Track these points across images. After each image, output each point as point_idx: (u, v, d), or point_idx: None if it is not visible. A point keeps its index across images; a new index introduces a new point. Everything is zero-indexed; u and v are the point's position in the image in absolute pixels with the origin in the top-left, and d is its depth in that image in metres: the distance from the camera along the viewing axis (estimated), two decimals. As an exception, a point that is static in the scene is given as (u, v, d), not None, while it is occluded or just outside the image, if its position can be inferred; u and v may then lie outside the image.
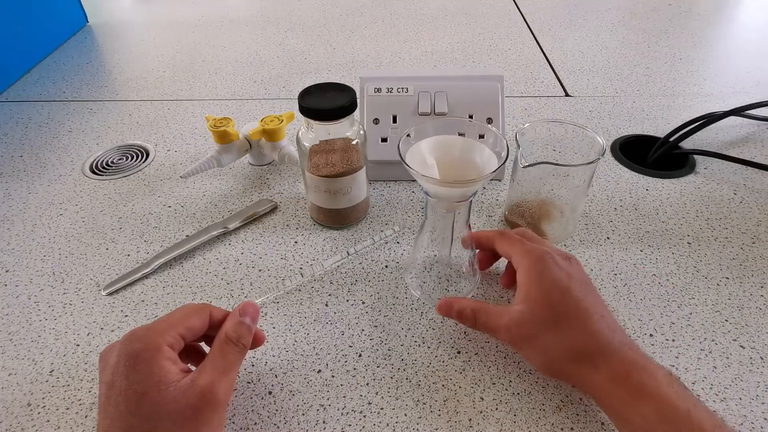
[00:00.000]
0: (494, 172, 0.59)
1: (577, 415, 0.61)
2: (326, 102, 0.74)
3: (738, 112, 1.00)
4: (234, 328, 0.57)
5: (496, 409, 0.62)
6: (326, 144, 0.78)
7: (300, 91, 0.76)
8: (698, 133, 1.00)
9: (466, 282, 0.75)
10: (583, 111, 1.16)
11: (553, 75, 1.32)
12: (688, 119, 1.02)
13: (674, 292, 0.75)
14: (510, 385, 0.64)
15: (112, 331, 0.72)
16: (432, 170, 0.63)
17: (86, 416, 0.62)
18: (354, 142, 0.78)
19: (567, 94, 1.23)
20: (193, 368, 0.55)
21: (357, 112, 0.77)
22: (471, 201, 0.66)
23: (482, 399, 0.63)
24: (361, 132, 0.79)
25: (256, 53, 1.48)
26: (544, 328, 0.59)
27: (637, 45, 1.47)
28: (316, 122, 0.75)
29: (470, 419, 0.61)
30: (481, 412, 0.62)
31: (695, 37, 1.51)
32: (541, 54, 1.43)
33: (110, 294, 0.77)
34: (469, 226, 0.69)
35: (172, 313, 0.57)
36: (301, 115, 0.76)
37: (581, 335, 0.58)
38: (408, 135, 0.64)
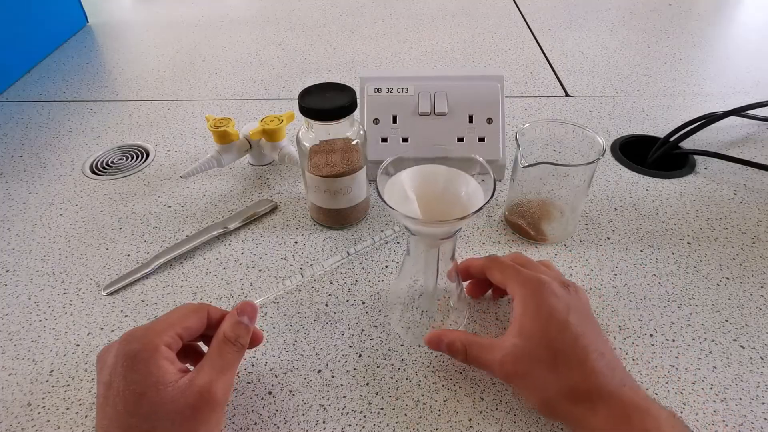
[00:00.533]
0: (481, 209, 0.55)
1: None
2: (326, 102, 0.74)
3: (738, 112, 1.00)
4: (232, 328, 0.57)
5: (496, 409, 0.62)
6: (326, 144, 0.77)
7: (300, 91, 0.76)
8: (698, 134, 1.01)
9: (455, 316, 0.72)
10: (583, 111, 1.16)
11: (553, 75, 1.32)
12: (688, 119, 1.02)
13: (674, 292, 0.75)
14: (509, 386, 0.64)
15: (112, 331, 0.72)
16: (412, 206, 0.59)
17: (86, 416, 0.62)
18: (354, 142, 0.78)
19: (567, 94, 1.23)
20: (191, 368, 0.55)
21: (357, 112, 0.76)
22: (455, 238, 0.62)
23: (482, 399, 0.63)
24: (361, 132, 0.79)
25: (256, 53, 1.48)
26: (540, 365, 0.56)
27: (637, 45, 1.47)
28: (316, 122, 0.75)
29: (470, 419, 0.61)
30: (481, 412, 0.62)
31: (695, 37, 1.51)
32: (541, 54, 1.43)
33: (110, 294, 0.77)
34: (455, 260, 0.66)
35: (169, 313, 0.58)
36: (301, 115, 0.76)
37: (579, 374, 0.55)
38: (386, 169, 0.60)
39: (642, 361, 0.67)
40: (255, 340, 0.62)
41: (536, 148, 0.81)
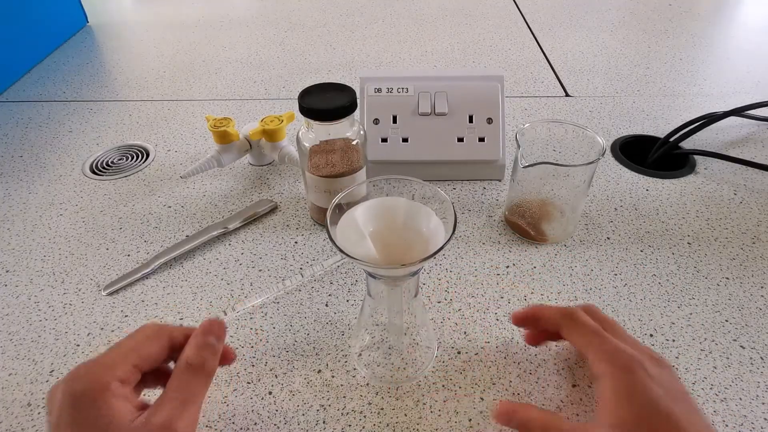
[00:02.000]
0: (441, 249, 0.49)
1: (577, 415, 0.61)
2: (326, 102, 0.74)
3: (738, 112, 1.00)
4: (196, 352, 0.52)
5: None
6: (326, 144, 0.77)
7: (300, 91, 0.76)
8: (698, 134, 1.01)
9: (421, 354, 0.68)
10: (584, 111, 1.16)
11: (554, 75, 1.32)
12: (688, 119, 1.02)
13: (674, 292, 0.75)
14: (510, 386, 0.64)
15: (112, 331, 0.72)
16: (366, 246, 0.54)
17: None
18: (354, 142, 0.78)
19: (567, 95, 1.23)
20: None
21: (357, 112, 0.76)
22: (417, 277, 0.58)
23: (482, 399, 0.63)
24: (362, 132, 0.79)
25: (256, 53, 1.48)
26: None
27: (637, 45, 1.47)
28: (316, 122, 0.75)
29: (470, 419, 0.61)
30: (481, 413, 0.62)
31: (695, 37, 1.51)
32: (541, 54, 1.43)
33: (110, 294, 0.77)
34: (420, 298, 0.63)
35: (123, 340, 0.52)
36: (301, 115, 0.76)
37: None
38: (337, 206, 0.55)
39: (642, 361, 0.66)
40: (225, 359, 0.57)
41: (536, 148, 0.81)
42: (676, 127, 1.01)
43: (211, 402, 0.63)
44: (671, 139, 1.00)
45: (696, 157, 1.00)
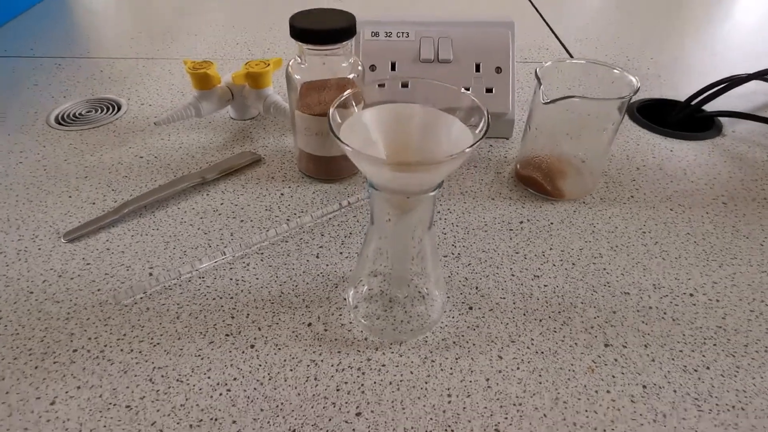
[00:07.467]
0: (471, 147, 0.39)
1: (613, 377, 0.52)
2: (322, 23, 0.65)
3: (762, 75, 0.93)
4: None
5: (518, 368, 0.53)
6: (320, 81, 0.68)
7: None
8: (719, 99, 0.92)
9: (429, 306, 0.58)
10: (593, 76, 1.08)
11: (557, 41, 1.24)
12: (706, 84, 0.93)
13: (713, 251, 0.67)
14: (532, 344, 0.55)
15: (71, 278, 0.62)
16: (375, 148, 0.46)
17: (36, 367, 0.53)
18: (351, 76, 0.69)
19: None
20: None
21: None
22: (435, 198, 0.48)
23: (501, 358, 0.54)
24: (359, 67, 0.70)
25: (240, 13, 1.39)
26: None
27: (649, 10, 1.39)
28: (310, 48, 0.66)
29: (488, 379, 0.52)
30: (500, 372, 0.53)
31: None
32: (540, 19, 1.35)
33: (71, 241, 0.68)
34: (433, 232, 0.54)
35: None
36: (294, 44, 0.66)
37: None
38: (344, 102, 0.45)
39: (684, 322, 0.58)
40: None
41: (556, 93, 0.72)
42: (695, 91, 0.93)
43: (184, 355, 0.54)
44: (692, 103, 0.92)
45: (722, 120, 0.92)
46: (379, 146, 0.46)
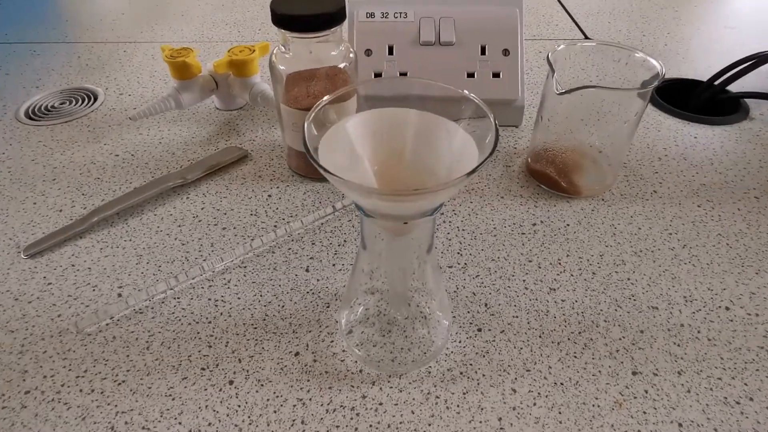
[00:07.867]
0: (474, 172, 0.32)
1: (644, 412, 0.46)
2: (308, 8, 0.58)
3: (793, 51, 0.85)
4: None
5: (534, 404, 0.46)
6: (307, 71, 0.61)
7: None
8: (745, 78, 0.85)
9: (432, 329, 0.51)
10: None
11: (568, 17, 1.16)
12: (730, 62, 0.86)
13: (748, 255, 0.60)
14: (550, 373, 0.49)
15: (29, 302, 0.56)
16: (362, 168, 0.39)
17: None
18: (342, 66, 0.62)
19: (587, 38, 1.07)
20: None
21: (345, 34, 0.60)
22: (435, 219, 0.41)
23: (514, 391, 0.47)
24: (351, 55, 0.63)
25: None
26: None
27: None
28: (294, 36, 0.59)
29: (500, 419, 0.45)
30: (514, 409, 0.46)
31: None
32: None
33: (31, 256, 0.61)
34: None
35: None
36: (276, 30, 0.59)
37: None
38: (321, 112, 0.38)
39: (721, 342, 0.51)
40: None
41: (570, 79, 0.65)
42: (718, 69, 0.86)
43: (152, 395, 0.47)
44: (715, 83, 0.84)
45: (748, 101, 0.85)
46: (366, 162, 0.39)
